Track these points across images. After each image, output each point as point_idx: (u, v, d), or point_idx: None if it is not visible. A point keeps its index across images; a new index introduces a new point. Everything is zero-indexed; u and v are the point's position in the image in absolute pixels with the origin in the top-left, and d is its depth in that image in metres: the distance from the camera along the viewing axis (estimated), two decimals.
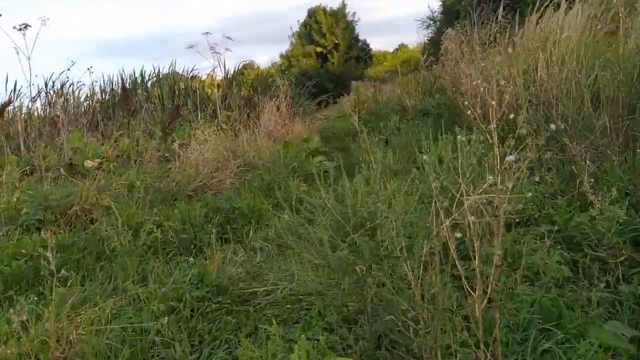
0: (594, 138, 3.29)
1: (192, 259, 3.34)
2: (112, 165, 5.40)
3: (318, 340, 2.21)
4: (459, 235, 1.40)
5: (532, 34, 4.92)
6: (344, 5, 25.50)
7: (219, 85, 9.81)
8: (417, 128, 5.44)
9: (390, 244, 2.03)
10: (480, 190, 1.50)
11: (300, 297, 2.63)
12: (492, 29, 6.68)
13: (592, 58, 4.06)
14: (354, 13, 25.81)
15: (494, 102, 1.50)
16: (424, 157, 2.54)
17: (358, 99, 11.48)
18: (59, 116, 7.56)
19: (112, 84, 9.88)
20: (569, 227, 2.63)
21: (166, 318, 2.22)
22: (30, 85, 5.15)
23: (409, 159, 4.45)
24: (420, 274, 1.65)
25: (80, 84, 9.36)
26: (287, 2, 58.81)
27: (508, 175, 1.41)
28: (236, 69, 10.64)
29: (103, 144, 6.89)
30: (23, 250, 3.34)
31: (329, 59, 24.88)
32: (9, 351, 2.00)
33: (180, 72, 10.89)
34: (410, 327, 1.70)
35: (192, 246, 3.65)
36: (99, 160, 5.08)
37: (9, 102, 7.83)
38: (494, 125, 1.47)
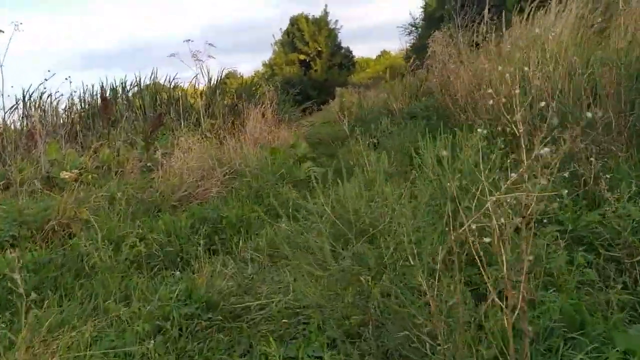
0: (595, 134, 3.18)
1: (178, 273, 3.13)
2: (91, 176, 5.15)
3: (320, 357, 2.03)
4: (487, 240, 1.24)
5: (524, 33, 4.82)
6: (326, 13, 25.52)
7: (202, 93, 9.59)
8: (408, 130, 5.30)
9: (399, 251, 1.86)
10: (504, 189, 1.34)
11: (297, 310, 2.45)
12: (479, 30, 6.61)
13: (588, 54, 3.98)
14: (336, 21, 25.84)
15: (517, 91, 1.34)
16: (430, 156, 2.39)
17: (343, 104, 11.38)
18: (36, 128, 7.28)
19: (92, 94, 9.60)
20: (579, 226, 2.49)
21: (152, 341, 2.01)
22: (2, 95, 4.87)
23: (402, 162, 4.30)
24: (436, 283, 1.48)
25: (59, 94, 9.07)
26: (267, 11, 58.73)
27: (536, 171, 1.25)
28: (219, 77, 10.44)
29: (82, 155, 6.62)
30: None
31: (312, 66, 24.81)
32: None
33: (162, 81, 10.66)
34: (426, 343, 1.52)
35: (179, 259, 3.44)
36: (76, 171, 4.83)
37: None
38: (519, 117, 1.32)
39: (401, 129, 5.36)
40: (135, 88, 10.08)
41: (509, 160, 1.39)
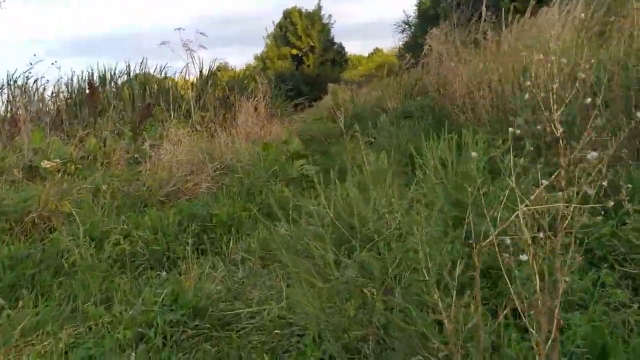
0: (604, 140, 3.06)
1: (164, 274, 2.96)
2: (75, 167, 4.93)
3: None
4: (524, 258, 1.09)
5: (527, 32, 4.70)
6: (319, 7, 25.23)
7: (192, 85, 9.36)
8: (407, 129, 5.16)
9: (405, 261, 1.71)
10: (533, 197, 1.19)
11: (291, 320, 2.29)
12: (478, 28, 6.49)
13: (592, 56, 3.85)
14: (330, 15, 25.57)
15: (555, 85, 1.19)
16: (433, 157, 2.24)
17: (336, 101, 11.20)
18: (20, 114, 7.02)
19: (80, 81, 9.30)
20: (590, 239, 2.36)
21: (133, 353, 1.84)
22: None
23: (400, 162, 4.15)
24: (453, 301, 1.33)
25: (45, 80, 8.77)
26: (259, 3, 58.12)
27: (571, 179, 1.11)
28: (211, 67, 10.20)
29: (67, 144, 6.37)
30: None
31: (304, 61, 24.54)
32: None
33: (152, 71, 10.38)
34: None
35: (165, 259, 3.26)
36: (58, 160, 4.60)
37: None
38: (557, 116, 1.17)
39: (399, 128, 5.21)
40: (125, 77, 9.81)
41: (539, 165, 1.24)
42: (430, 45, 7.60)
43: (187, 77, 10.05)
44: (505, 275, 1.13)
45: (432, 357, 1.42)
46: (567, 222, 1.10)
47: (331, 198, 1.98)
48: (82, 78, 9.36)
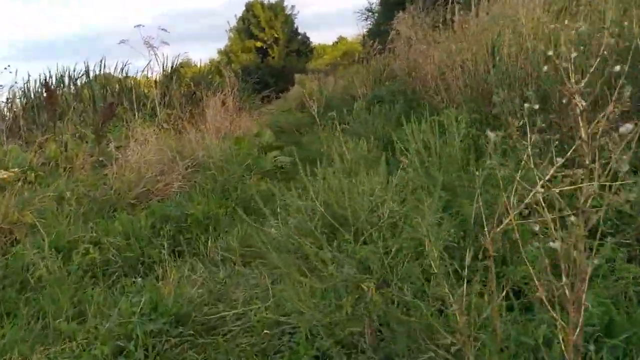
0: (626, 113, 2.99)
1: (140, 280, 2.78)
2: (35, 174, 4.65)
3: None
4: (556, 245, 0.98)
5: (499, 9, 4.64)
6: None
7: (156, 82, 9.03)
8: (382, 115, 5.06)
9: (402, 251, 1.59)
10: (547, 176, 1.09)
11: (280, 319, 2.16)
12: (446, 10, 6.43)
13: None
14: (293, 6, 25.30)
15: (574, 54, 1.09)
16: (415, 141, 2.13)
17: (308, 91, 11.05)
18: None
19: (37, 85, 8.86)
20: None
21: None
22: None
23: (378, 147, 4.04)
24: (464, 292, 1.22)
25: None
26: None
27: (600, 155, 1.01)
28: (174, 64, 9.88)
29: (26, 152, 6.04)
30: None
31: (269, 53, 24.25)
32: None
33: (112, 70, 9.99)
34: None
35: (140, 265, 3.08)
36: (17, 169, 4.33)
37: None
38: (580, 87, 1.06)
39: (373, 114, 5.10)
40: (84, 77, 9.40)
41: (554, 145, 1.14)
42: (398, 30, 7.50)
43: (150, 75, 9.73)
44: (525, 259, 1.02)
45: (440, 349, 1.31)
46: (591, 200, 1.00)
47: (317, 190, 1.85)
48: (39, 81, 8.94)
